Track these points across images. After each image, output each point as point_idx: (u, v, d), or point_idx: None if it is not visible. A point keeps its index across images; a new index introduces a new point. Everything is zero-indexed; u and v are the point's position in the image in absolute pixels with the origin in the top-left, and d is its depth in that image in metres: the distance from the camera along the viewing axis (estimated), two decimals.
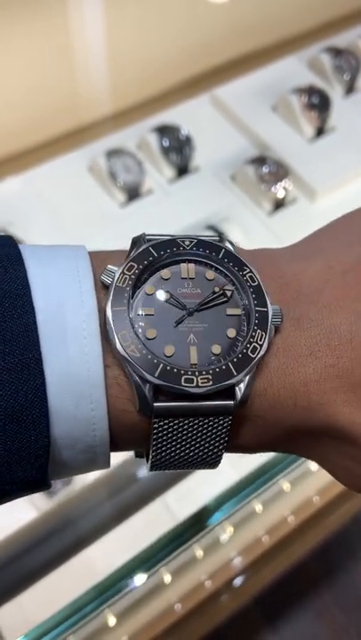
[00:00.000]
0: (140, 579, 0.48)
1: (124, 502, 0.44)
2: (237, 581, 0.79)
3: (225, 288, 0.24)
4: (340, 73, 0.90)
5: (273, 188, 0.79)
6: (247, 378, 0.23)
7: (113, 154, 0.76)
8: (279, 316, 0.24)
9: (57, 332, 0.22)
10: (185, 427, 0.23)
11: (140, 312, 0.24)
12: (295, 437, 0.25)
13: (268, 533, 0.78)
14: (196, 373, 0.23)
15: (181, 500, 0.54)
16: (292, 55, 0.93)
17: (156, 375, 0.22)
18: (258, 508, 0.74)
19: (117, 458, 0.44)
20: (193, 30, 0.89)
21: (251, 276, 0.24)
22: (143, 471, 0.45)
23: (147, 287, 0.24)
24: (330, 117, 0.86)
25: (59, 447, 0.22)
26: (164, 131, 0.78)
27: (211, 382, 0.23)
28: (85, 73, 0.82)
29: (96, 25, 0.78)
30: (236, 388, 0.23)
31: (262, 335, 0.23)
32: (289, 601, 1.07)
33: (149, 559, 0.48)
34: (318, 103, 0.85)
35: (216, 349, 0.24)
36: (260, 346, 0.23)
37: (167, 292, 0.24)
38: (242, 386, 0.23)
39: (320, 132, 0.86)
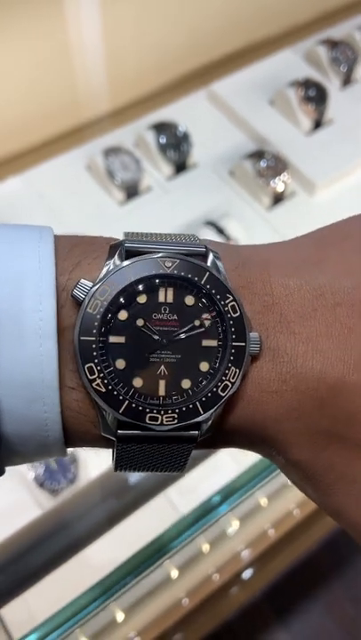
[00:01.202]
0: (145, 574, 0.49)
1: (127, 499, 0.44)
2: (246, 574, 0.79)
3: (203, 317, 0.23)
4: (337, 65, 0.89)
5: (272, 183, 0.79)
6: (214, 414, 0.23)
7: (110, 152, 0.76)
8: (258, 344, 0.23)
9: (11, 330, 0.21)
10: (148, 449, 0.23)
11: (111, 340, 0.22)
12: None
13: (273, 527, 0.78)
14: (162, 412, 0.22)
15: (184, 494, 0.54)
16: (288, 48, 0.93)
17: (121, 412, 0.22)
18: (263, 501, 0.74)
19: None
20: (188, 25, 0.89)
21: (233, 306, 0.23)
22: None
23: (120, 313, 0.22)
24: (327, 110, 0.86)
25: (11, 443, 0.22)
26: (161, 128, 0.79)
27: (176, 421, 0.22)
28: (82, 72, 0.82)
29: (91, 23, 0.79)
30: (202, 423, 0.23)
31: (235, 373, 0.22)
32: (299, 594, 1.07)
33: (154, 554, 0.48)
34: (315, 96, 0.85)
35: (186, 384, 0.22)
36: (232, 384, 0.22)
37: (141, 318, 0.22)
38: (207, 421, 0.23)
39: (318, 124, 0.86)
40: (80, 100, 0.84)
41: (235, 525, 0.74)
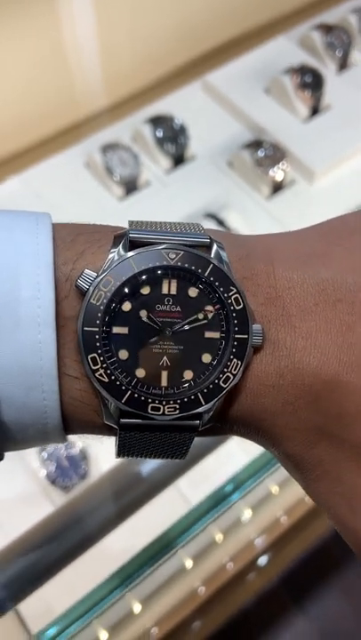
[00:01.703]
0: (160, 563, 0.49)
1: (138, 492, 0.44)
2: (262, 561, 0.80)
3: (206, 309, 0.23)
4: (332, 50, 0.89)
5: (271, 172, 0.79)
6: (215, 405, 0.23)
7: (108, 148, 0.76)
8: (260, 336, 0.23)
9: (8, 318, 0.21)
10: (150, 437, 0.23)
11: (114, 331, 0.22)
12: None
13: (286, 514, 0.78)
14: (164, 402, 0.22)
15: (194, 485, 0.55)
16: (282, 35, 0.93)
17: (123, 401, 0.22)
18: (274, 489, 0.75)
19: None
20: (181, 17, 0.88)
21: (236, 298, 0.23)
22: (153, 462, 0.46)
23: (123, 304, 0.22)
24: (324, 96, 0.85)
25: (10, 430, 0.22)
26: (157, 121, 0.79)
27: (178, 411, 0.22)
28: (77, 69, 0.82)
29: (84, 19, 0.79)
30: (203, 413, 0.23)
31: (237, 365, 0.23)
32: (314, 580, 1.07)
33: (167, 544, 0.49)
34: (311, 82, 0.84)
35: (188, 375, 0.23)
36: (234, 375, 0.23)
37: (145, 309, 0.23)
38: (209, 412, 0.23)
39: (315, 111, 0.85)
40: (75, 98, 0.84)
41: (247, 514, 0.75)
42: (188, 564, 0.71)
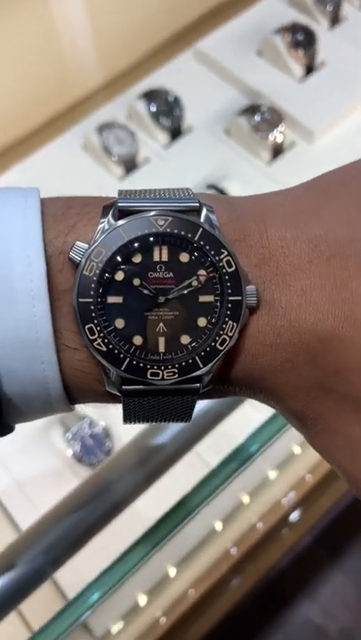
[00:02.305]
0: (189, 525, 0.51)
1: (158, 460, 0.46)
2: (292, 518, 0.81)
3: (199, 274, 0.23)
4: (323, 5, 0.87)
5: (269, 136, 0.79)
6: (214, 367, 0.23)
7: (104, 128, 0.76)
8: (255, 297, 0.23)
9: (2, 293, 0.22)
10: (153, 402, 0.24)
11: (109, 300, 0.23)
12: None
13: (310, 472, 0.80)
14: (162, 367, 0.23)
15: (212, 448, 0.56)
16: None
17: (123, 369, 0.23)
18: (296, 449, 0.76)
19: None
20: None
21: (228, 261, 0.23)
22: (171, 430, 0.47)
23: (116, 274, 0.23)
24: (318, 53, 0.84)
25: (14, 404, 0.23)
26: (150, 96, 0.78)
27: (177, 375, 0.23)
28: (67, 49, 0.82)
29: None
30: (203, 376, 0.23)
31: (233, 326, 0.23)
32: (347, 533, 1.09)
33: (193, 508, 0.50)
34: (304, 40, 0.83)
35: (185, 340, 0.23)
36: (230, 337, 0.23)
37: (138, 277, 0.23)
38: (208, 374, 0.23)
39: (310, 69, 0.84)
40: (67, 79, 0.84)
41: (272, 475, 0.77)
42: (218, 526, 0.73)
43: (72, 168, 0.78)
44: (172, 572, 0.71)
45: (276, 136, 0.79)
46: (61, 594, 0.60)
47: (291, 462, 0.77)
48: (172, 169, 0.78)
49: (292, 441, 0.75)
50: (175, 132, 0.80)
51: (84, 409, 0.65)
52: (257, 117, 0.79)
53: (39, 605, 0.52)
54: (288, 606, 1.02)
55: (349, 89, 0.82)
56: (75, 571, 0.47)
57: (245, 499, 0.75)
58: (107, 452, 0.61)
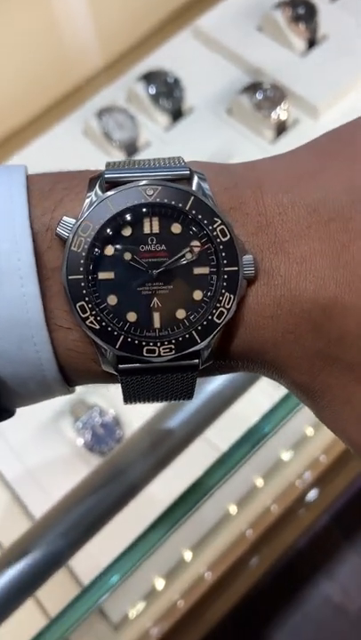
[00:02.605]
0: (203, 508, 0.51)
1: (168, 446, 0.46)
2: (308, 499, 0.81)
3: (192, 245, 0.22)
4: None
5: (272, 114, 0.77)
6: (212, 341, 0.23)
7: (104, 112, 0.75)
8: (252, 267, 0.22)
9: None
10: (152, 380, 0.23)
11: (100, 276, 0.22)
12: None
13: (324, 452, 0.80)
14: (158, 344, 0.22)
15: (221, 433, 0.56)
16: None
17: (117, 347, 0.22)
18: (308, 431, 0.76)
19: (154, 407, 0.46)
20: None
21: (222, 230, 0.22)
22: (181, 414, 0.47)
23: (106, 248, 0.22)
24: (319, 26, 0.82)
25: (10, 386, 0.23)
26: (149, 77, 0.77)
27: (173, 352, 0.22)
28: (65, 32, 0.80)
29: None
30: (201, 351, 0.23)
31: (230, 298, 0.22)
32: None
33: (209, 489, 0.50)
34: (304, 13, 0.81)
35: (180, 314, 0.22)
36: (228, 310, 0.22)
37: (128, 252, 0.22)
38: (207, 349, 0.23)
39: (311, 43, 0.82)
40: (65, 64, 0.83)
41: (285, 457, 0.76)
42: (233, 509, 0.74)
43: (73, 155, 0.77)
44: (188, 555, 0.71)
45: (280, 113, 0.77)
46: (76, 579, 0.61)
47: (304, 444, 0.77)
48: (174, 151, 0.76)
49: (306, 423, 0.75)
50: (176, 114, 0.79)
51: (93, 397, 0.65)
52: (259, 95, 0.77)
53: (54, 591, 0.53)
54: (306, 585, 1.03)
55: (353, 61, 0.80)
56: (89, 556, 0.47)
57: (259, 481, 0.75)
58: (118, 439, 0.61)
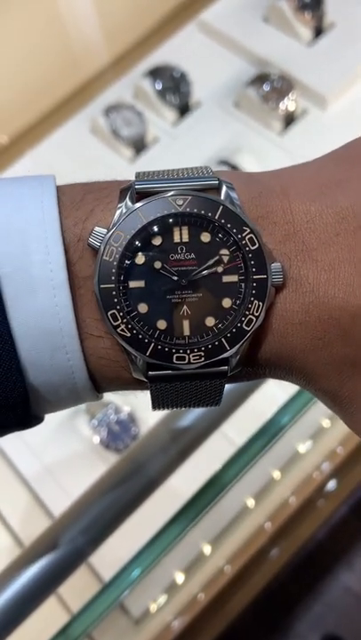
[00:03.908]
0: (222, 502, 0.51)
1: (184, 441, 0.46)
2: (326, 490, 0.81)
3: (221, 253, 0.23)
4: None
5: (280, 105, 0.77)
6: (241, 348, 0.23)
7: (111, 110, 0.75)
8: (280, 275, 0.22)
9: (22, 284, 0.22)
10: (181, 387, 0.24)
11: (131, 285, 0.22)
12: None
13: (341, 444, 0.79)
14: (188, 351, 0.23)
15: (238, 428, 0.56)
16: None
17: (148, 354, 0.22)
18: (325, 422, 0.76)
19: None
20: None
21: (250, 238, 0.22)
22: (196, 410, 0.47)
23: (136, 257, 0.22)
24: (326, 14, 0.81)
25: (42, 394, 0.23)
26: (155, 73, 0.77)
27: (203, 359, 0.23)
28: (70, 30, 0.80)
29: None
30: (230, 358, 0.23)
31: (259, 306, 0.22)
32: None
33: (224, 486, 0.50)
34: (310, 2, 0.80)
35: (210, 322, 0.23)
36: (256, 317, 0.22)
37: (159, 260, 0.22)
38: (235, 356, 0.23)
39: (318, 32, 0.81)
40: (71, 62, 0.83)
41: (302, 449, 0.76)
42: (250, 503, 0.74)
43: (82, 154, 0.77)
44: (208, 549, 0.72)
45: (288, 105, 0.77)
46: (97, 576, 0.61)
47: (321, 435, 0.77)
48: (182, 147, 0.77)
49: (322, 415, 0.74)
50: (183, 109, 0.78)
51: (108, 395, 0.65)
52: (266, 87, 0.76)
53: (75, 588, 0.53)
54: (326, 576, 1.03)
55: None
56: (108, 553, 0.48)
57: (276, 474, 0.75)
58: (133, 436, 0.61)
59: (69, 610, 0.61)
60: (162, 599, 0.68)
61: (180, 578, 0.69)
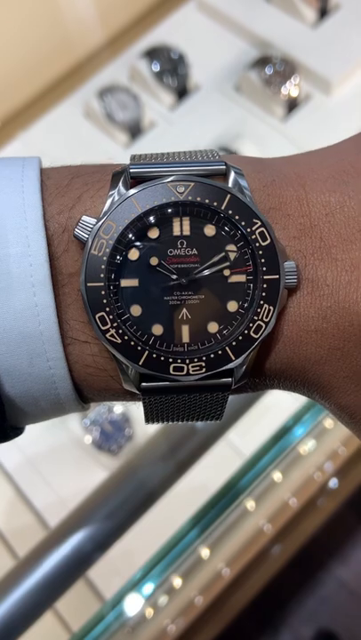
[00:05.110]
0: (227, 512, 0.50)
1: (189, 448, 0.44)
2: (327, 489, 0.80)
3: (227, 249, 0.20)
4: None
5: (283, 90, 0.74)
6: (248, 358, 0.20)
7: (105, 92, 0.72)
8: (294, 275, 0.20)
9: None
10: (178, 400, 0.21)
11: (123, 284, 0.20)
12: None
13: (344, 444, 0.78)
14: (187, 361, 0.20)
15: (243, 436, 0.54)
16: None
17: (140, 363, 0.20)
18: (328, 423, 0.74)
19: None
20: None
21: (261, 233, 0.20)
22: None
23: (130, 252, 0.20)
24: None
25: (19, 405, 0.21)
26: (152, 54, 0.73)
27: (204, 370, 0.20)
28: (64, 8, 0.77)
29: None
30: (235, 369, 0.20)
31: (269, 310, 0.20)
32: None
33: (234, 493, 0.48)
34: None
35: (212, 327, 0.20)
36: (266, 324, 0.20)
37: (155, 256, 0.20)
38: (241, 366, 0.20)
39: (323, 13, 0.78)
40: (65, 40, 0.79)
41: (303, 451, 0.74)
42: (250, 505, 0.72)
43: (74, 138, 0.74)
44: (205, 553, 0.70)
45: (290, 89, 0.74)
46: (95, 591, 0.59)
47: (323, 436, 0.75)
48: (180, 132, 0.73)
49: (324, 414, 0.72)
50: (181, 92, 0.75)
51: None
52: (268, 70, 0.73)
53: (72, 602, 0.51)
54: (322, 571, 1.03)
55: None
56: (105, 566, 0.45)
57: (277, 476, 0.73)
58: (128, 437, 0.59)
59: (69, 629, 0.58)
60: (161, 602, 0.66)
61: (177, 582, 0.68)
